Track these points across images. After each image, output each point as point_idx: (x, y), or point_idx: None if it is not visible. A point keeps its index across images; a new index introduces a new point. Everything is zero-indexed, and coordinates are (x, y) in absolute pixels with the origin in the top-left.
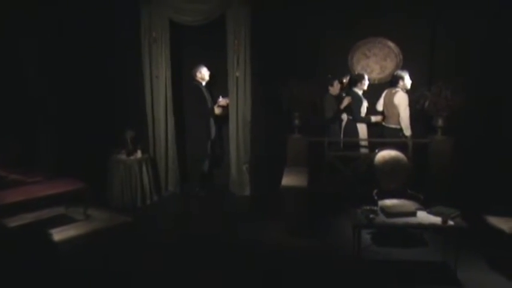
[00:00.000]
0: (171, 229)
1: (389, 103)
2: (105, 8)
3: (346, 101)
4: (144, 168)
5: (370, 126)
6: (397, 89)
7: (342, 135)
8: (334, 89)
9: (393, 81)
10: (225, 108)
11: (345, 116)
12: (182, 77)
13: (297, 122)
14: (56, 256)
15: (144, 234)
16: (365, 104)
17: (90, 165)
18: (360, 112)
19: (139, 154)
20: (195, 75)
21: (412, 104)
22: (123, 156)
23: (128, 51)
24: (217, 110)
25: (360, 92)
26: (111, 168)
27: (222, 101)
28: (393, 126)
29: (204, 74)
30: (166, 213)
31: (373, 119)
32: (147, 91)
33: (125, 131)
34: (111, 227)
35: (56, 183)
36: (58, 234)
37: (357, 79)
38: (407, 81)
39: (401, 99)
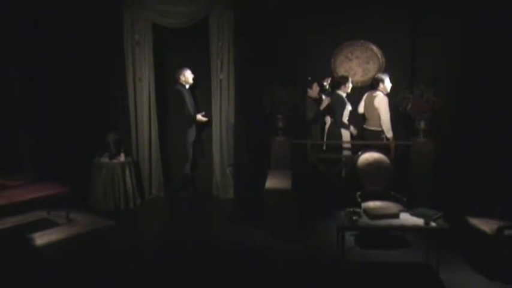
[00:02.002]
0: (155, 233)
1: (370, 106)
2: (86, 10)
3: (325, 102)
4: (127, 172)
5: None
6: (377, 92)
7: (325, 138)
8: (313, 91)
9: (373, 84)
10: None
11: (328, 119)
12: (166, 80)
13: (280, 124)
14: (37, 261)
15: (127, 238)
16: (349, 107)
17: (72, 169)
18: (342, 115)
19: (122, 157)
20: (179, 78)
21: (394, 107)
22: (105, 160)
23: (111, 53)
24: (201, 118)
25: (344, 95)
26: (93, 171)
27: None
28: (373, 128)
29: (187, 76)
30: (150, 216)
31: (352, 129)
32: (130, 94)
33: (107, 134)
34: (94, 231)
35: (38, 187)
36: (40, 239)
37: (340, 81)
38: (388, 84)
39: (381, 102)
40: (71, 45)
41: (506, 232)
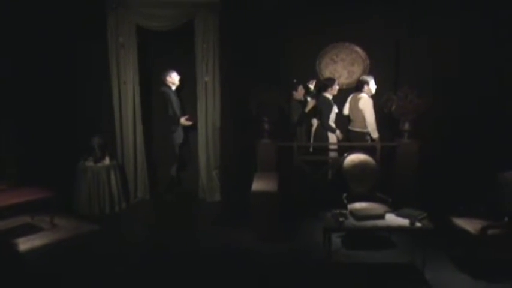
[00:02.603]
0: (141, 236)
1: (355, 107)
2: (70, 13)
3: (310, 104)
4: (112, 175)
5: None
6: (361, 94)
7: (311, 140)
8: (298, 93)
9: (358, 86)
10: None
11: (314, 121)
12: (151, 83)
13: (265, 126)
14: (21, 267)
15: (112, 242)
16: (335, 109)
17: (56, 173)
18: (329, 118)
19: (107, 161)
20: (165, 80)
21: (379, 108)
22: (90, 163)
23: (95, 56)
24: (185, 122)
25: (330, 97)
26: (78, 175)
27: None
28: (358, 129)
29: (174, 78)
30: (135, 220)
31: (338, 133)
32: (114, 97)
33: (92, 137)
34: (79, 235)
35: (21, 191)
36: (24, 244)
37: (327, 84)
38: (372, 86)
39: (365, 104)
40: (54, 48)
41: (490, 231)
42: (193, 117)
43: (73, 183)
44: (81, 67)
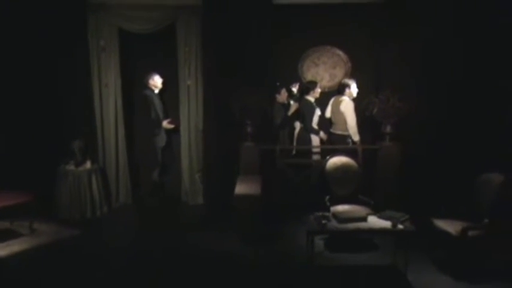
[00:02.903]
0: (123, 241)
1: (336, 110)
2: (51, 15)
3: (293, 107)
4: (93, 179)
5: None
6: (343, 97)
7: (294, 143)
8: (282, 96)
9: (340, 89)
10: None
11: (297, 124)
12: (133, 86)
13: (248, 130)
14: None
15: (94, 247)
16: (318, 112)
17: (36, 177)
18: (312, 121)
19: (88, 164)
20: (148, 83)
21: (361, 111)
22: (71, 167)
23: (76, 59)
24: (167, 125)
25: (313, 100)
26: (58, 179)
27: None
28: (340, 132)
29: (156, 81)
30: (117, 224)
31: (322, 134)
32: (96, 100)
33: (73, 141)
34: (59, 240)
35: (0, 195)
36: (3, 250)
37: (309, 87)
38: (354, 89)
39: (347, 107)
40: (35, 51)
41: (470, 233)
42: (175, 120)
43: (53, 187)
44: (62, 70)
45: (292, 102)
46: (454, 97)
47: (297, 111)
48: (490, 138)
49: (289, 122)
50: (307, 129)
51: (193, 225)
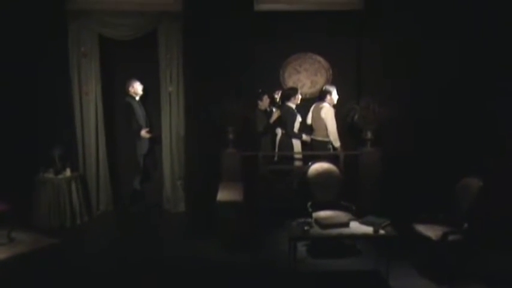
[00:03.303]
0: (103, 249)
1: (317, 117)
2: (31, 21)
3: (275, 115)
4: (73, 187)
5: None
6: (324, 104)
7: (276, 149)
8: (264, 103)
9: (321, 96)
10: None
11: (279, 131)
12: (114, 92)
13: (230, 136)
14: None
15: (74, 256)
16: (299, 118)
17: (14, 185)
18: (293, 127)
19: (68, 172)
20: (128, 90)
21: (342, 117)
22: (50, 175)
23: (56, 66)
24: (145, 135)
25: (294, 106)
26: (37, 187)
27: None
28: (321, 139)
29: (136, 88)
30: (98, 233)
31: (304, 137)
32: (76, 107)
33: (52, 148)
34: (38, 250)
35: None
36: None
37: (290, 93)
38: (335, 96)
39: (327, 113)
40: (13, 57)
41: (450, 237)
42: (152, 130)
43: (32, 195)
44: (41, 77)
45: (274, 109)
46: (434, 103)
47: (278, 118)
48: (469, 143)
49: (271, 128)
50: (289, 135)
51: (175, 233)
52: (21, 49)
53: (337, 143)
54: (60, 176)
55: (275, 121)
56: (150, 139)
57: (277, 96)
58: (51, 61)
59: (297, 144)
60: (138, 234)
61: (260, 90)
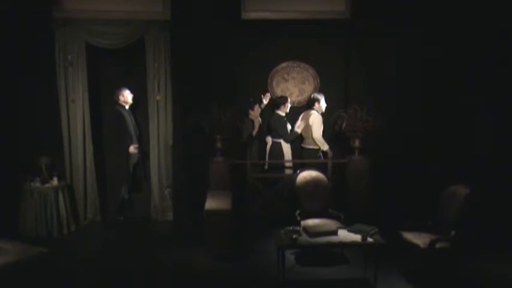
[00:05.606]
0: (90, 259)
1: (306, 124)
2: (17, 28)
3: (256, 124)
4: (60, 196)
5: (293, 147)
6: (312, 111)
7: (267, 157)
8: (255, 112)
9: (310, 104)
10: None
11: (269, 139)
12: (101, 101)
13: (218, 145)
14: None
15: (61, 266)
16: (288, 126)
17: (0, 194)
18: (287, 133)
19: (55, 181)
20: (118, 99)
21: (330, 125)
22: (37, 184)
23: (42, 74)
24: (133, 150)
25: (283, 114)
26: (24, 197)
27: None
28: (310, 147)
29: (126, 97)
30: (85, 242)
31: (299, 131)
32: (63, 116)
33: (39, 157)
34: (25, 260)
35: None
36: None
37: (280, 102)
38: (323, 104)
39: (315, 119)
40: None
41: (438, 245)
42: (143, 140)
43: (18, 205)
44: (28, 85)
45: (260, 119)
46: (420, 112)
47: (260, 127)
48: (456, 151)
49: (252, 140)
50: (286, 140)
51: (163, 242)
52: (7, 57)
53: (325, 147)
54: (47, 185)
55: (257, 132)
56: (141, 148)
57: (265, 100)
58: (38, 69)
59: (287, 151)
60: (125, 243)
61: (251, 100)
